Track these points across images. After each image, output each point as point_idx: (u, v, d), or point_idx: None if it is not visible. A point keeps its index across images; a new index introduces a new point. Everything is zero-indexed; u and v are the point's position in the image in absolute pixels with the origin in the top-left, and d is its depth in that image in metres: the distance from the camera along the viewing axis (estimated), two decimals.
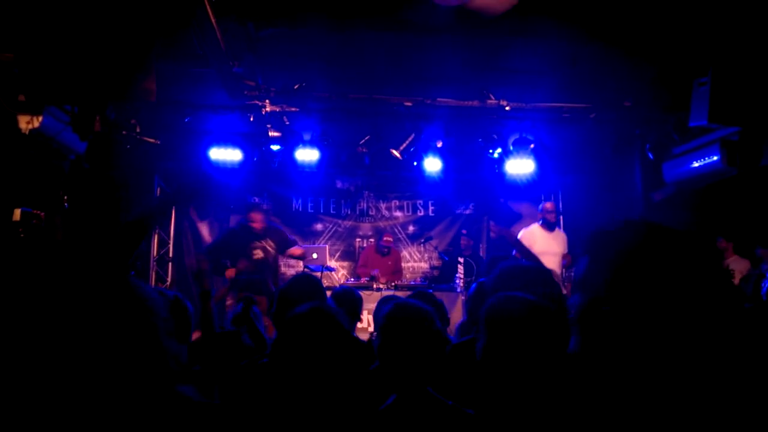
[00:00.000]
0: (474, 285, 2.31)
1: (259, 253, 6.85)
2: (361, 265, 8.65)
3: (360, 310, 3.47)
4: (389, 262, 8.52)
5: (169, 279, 8.85)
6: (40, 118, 5.20)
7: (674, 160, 7.34)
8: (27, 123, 5.13)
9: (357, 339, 1.86)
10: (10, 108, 5.05)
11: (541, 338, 1.47)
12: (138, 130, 7.23)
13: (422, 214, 9.85)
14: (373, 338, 1.93)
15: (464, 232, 9.20)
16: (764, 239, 6.20)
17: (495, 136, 7.60)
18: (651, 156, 7.47)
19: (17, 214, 5.02)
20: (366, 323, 7.08)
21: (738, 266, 6.54)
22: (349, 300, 3.24)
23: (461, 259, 8.26)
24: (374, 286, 7.68)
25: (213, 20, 4.43)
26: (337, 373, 1.59)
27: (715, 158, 6.46)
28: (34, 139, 5.40)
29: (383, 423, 1.64)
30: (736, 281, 5.73)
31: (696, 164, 6.84)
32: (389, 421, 1.64)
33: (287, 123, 7.21)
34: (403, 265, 9.13)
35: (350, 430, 1.58)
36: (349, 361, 1.64)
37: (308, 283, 2.67)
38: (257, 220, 6.95)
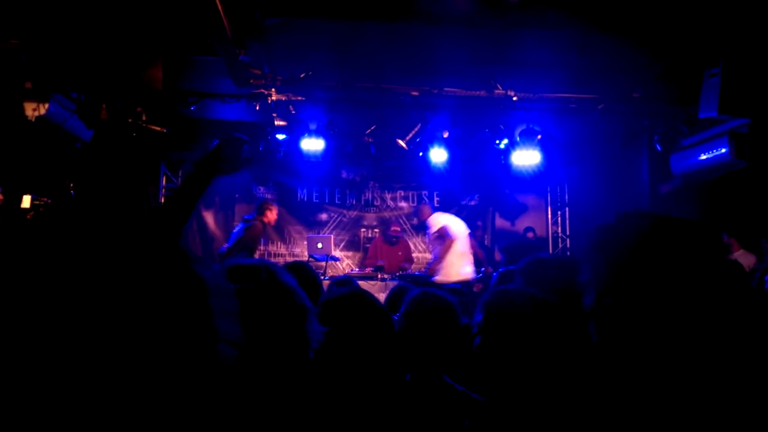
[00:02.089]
0: (495, 274, 2.28)
1: None
2: (371, 257, 8.65)
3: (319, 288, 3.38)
4: (399, 252, 8.52)
5: None
6: (47, 106, 5.21)
7: (682, 152, 7.29)
8: (33, 110, 5.14)
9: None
10: (16, 95, 5.05)
11: (541, 333, 1.45)
12: (144, 118, 7.23)
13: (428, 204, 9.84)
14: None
15: (480, 223, 9.25)
16: None
17: (502, 127, 7.56)
18: (659, 148, 7.42)
19: (27, 200, 5.04)
20: None
21: (745, 261, 6.51)
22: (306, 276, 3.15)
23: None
24: (379, 276, 7.69)
25: (220, 8, 4.41)
26: (378, 365, 1.58)
27: (724, 150, 6.41)
28: (41, 126, 5.41)
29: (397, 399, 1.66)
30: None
31: (704, 156, 6.79)
32: (401, 398, 1.66)
33: (293, 112, 7.19)
34: None
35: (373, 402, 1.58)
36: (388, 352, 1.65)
37: (304, 270, 2.64)
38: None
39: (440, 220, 7.13)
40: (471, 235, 7.66)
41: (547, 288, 1.52)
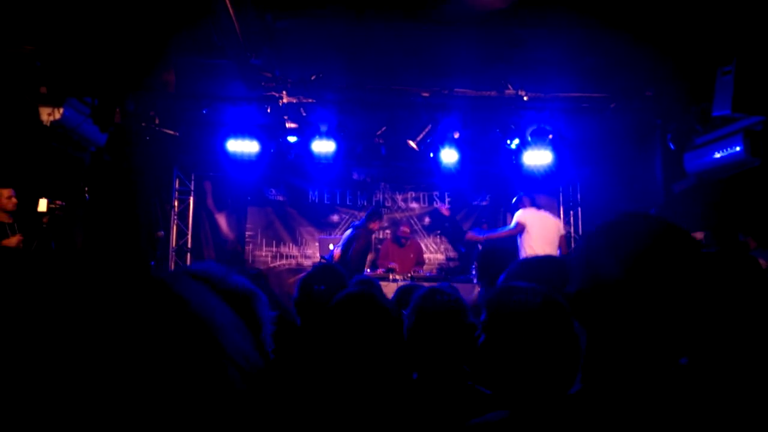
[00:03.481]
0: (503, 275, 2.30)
1: None
2: (382, 257, 8.65)
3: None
4: (410, 255, 8.50)
5: None
6: (61, 110, 5.27)
7: (696, 150, 7.22)
8: (48, 115, 5.21)
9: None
10: (31, 100, 5.12)
11: (546, 331, 1.44)
12: (157, 121, 7.30)
13: (439, 205, 9.82)
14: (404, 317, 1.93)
15: (485, 226, 9.23)
16: None
17: (513, 127, 7.54)
18: (672, 146, 7.35)
19: (43, 204, 5.10)
20: None
21: (762, 258, 6.44)
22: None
23: (481, 247, 8.30)
24: (390, 277, 7.69)
25: (231, 11, 4.44)
26: (385, 362, 1.59)
27: (738, 149, 6.34)
28: (55, 130, 5.48)
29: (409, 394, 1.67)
30: None
31: (718, 155, 6.72)
32: (414, 392, 1.66)
33: (304, 114, 7.22)
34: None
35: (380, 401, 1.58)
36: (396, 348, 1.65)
37: (332, 271, 2.68)
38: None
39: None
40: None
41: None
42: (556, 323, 1.37)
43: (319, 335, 1.69)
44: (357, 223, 7.78)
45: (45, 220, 5.22)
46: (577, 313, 0.94)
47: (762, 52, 4.93)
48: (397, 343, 1.67)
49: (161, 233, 8.15)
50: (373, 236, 9.60)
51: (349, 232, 7.57)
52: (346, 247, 7.22)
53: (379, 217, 7.79)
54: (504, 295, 1.47)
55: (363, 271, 7.52)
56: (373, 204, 9.67)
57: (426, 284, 3.75)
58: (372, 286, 2.59)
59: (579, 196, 9.76)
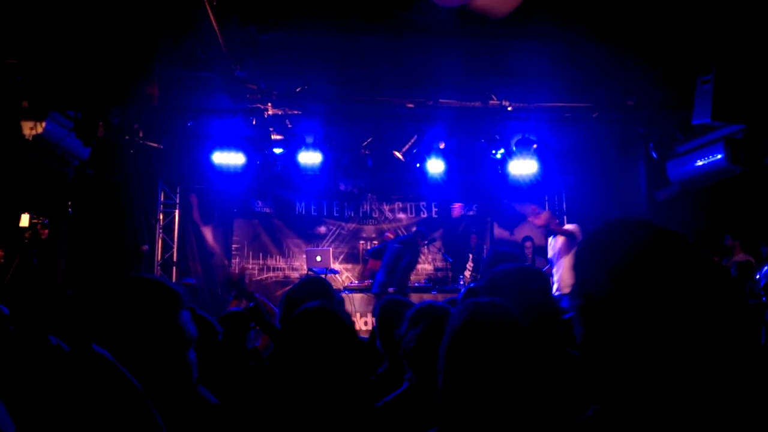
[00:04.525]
0: (464, 289, 2.25)
1: None
2: (370, 268, 8.63)
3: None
4: None
5: None
6: (44, 124, 5.21)
7: (678, 158, 7.31)
8: (30, 129, 5.15)
9: (361, 340, 1.84)
10: (13, 114, 5.06)
11: (514, 345, 1.38)
12: (141, 134, 7.25)
13: (425, 215, 9.83)
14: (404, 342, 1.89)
15: (473, 237, 9.28)
16: None
17: (498, 137, 7.59)
18: (655, 155, 7.44)
19: (25, 219, 5.03)
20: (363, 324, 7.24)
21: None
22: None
23: (471, 255, 8.36)
24: None
25: (215, 24, 4.44)
26: (341, 374, 1.58)
27: (719, 156, 6.43)
28: (38, 144, 5.42)
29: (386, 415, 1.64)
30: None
31: (700, 163, 6.81)
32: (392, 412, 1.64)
33: (289, 126, 7.22)
34: None
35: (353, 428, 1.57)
36: (354, 362, 1.63)
37: (316, 284, 2.65)
38: None
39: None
40: (468, 245, 7.64)
41: (512, 297, 1.50)
42: (520, 338, 1.34)
43: (280, 349, 1.68)
44: (403, 237, 7.78)
45: (27, 235, 5.15)
46: (576, 330, 0.93)
47: (740, 60, 5.01)
48: (353, 352, 1.65)
49: (146, 247, 8.07)
50: (361, 247, 9.59)
51: (392, 247, 7.46)
52: (394, 263, 7.19)
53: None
54: (469, 311, 1.42)
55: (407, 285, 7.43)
56: (360, 214, 9.67)
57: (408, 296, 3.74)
58: (332, 299, 2.56)
59: (565, 205, 9.83)
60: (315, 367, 1.56)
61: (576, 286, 0.94)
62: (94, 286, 1.20)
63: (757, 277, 4.96)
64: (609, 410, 0.88)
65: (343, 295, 7.11)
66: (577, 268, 0.96)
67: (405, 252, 7.20)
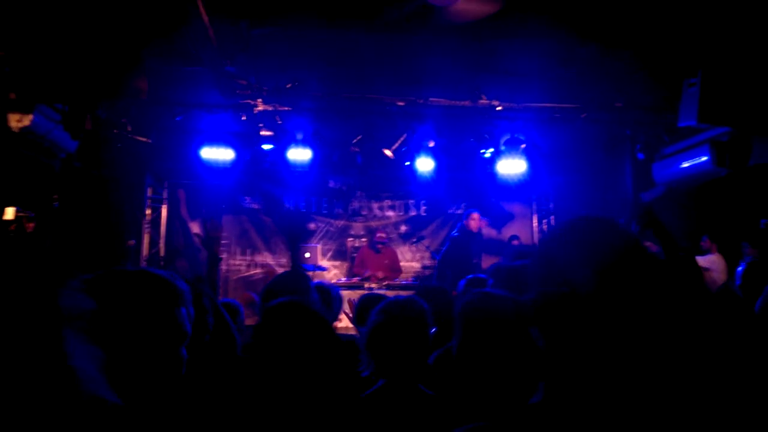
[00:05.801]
0: (462, 282, 2.28)
1: None
2: (357, 265, 8.65)
3: (338, 309, 3.44)
4: (385, 261, 8.52)
5: None
6: (31, 117, 5.16)
7: (664, 160, 7.40)
8: (17, 121, 5.09)
9: (337, 335, 1.85)
10: (0, 106, 5.01)
11: (517, 336, 1.45)
12: (129, 128, 7.20)
13: (414, 213, 9.86)
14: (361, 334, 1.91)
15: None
16: (752, 238, 6.27)
17: (487, 136, 7.63)
18: (641, 156, 7.52)
19: (10, 212, 4.98)
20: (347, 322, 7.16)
21: (720, 263, 6.66)
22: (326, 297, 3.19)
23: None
24: (365, 285, 7.69)
25: (206, 19, 4.42)
26: (316, 370, 1.59)
27: (705, 158, 6.51)
28: (25, 137, 5.37)
29: (366, 408, 1.66)
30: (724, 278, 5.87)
31: (686, 164, 6.89)
32: (372, 406, 1.66)
33: (279, 122, 7.20)
34: None
35: (331, 422, 1.59)
36: (330, 358, 1.65)
37: (293, 278, 2.66)
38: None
39: None
40: None
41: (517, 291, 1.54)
42: (527, 332, 1.38)
43: (255, 341, 1.70)
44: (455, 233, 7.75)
45: (12, 228, 5.10)
46: (539, 320, 0.94)
47: (726, 64, 5.08)
48: (327, 344, 1.67)
49: (132, 242, 8.02)
50: (349, 244, 9.57)
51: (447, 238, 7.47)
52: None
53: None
54: (480, 302, 1.48)
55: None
56: (349, 212, 9.66)
57: (390, 294, 3.76)
58: (307, 295, 2.57)
59: (552, 205, 9.90)
60: (286, 360, 1.58)
61: (555, 277, 0.94)
62: (97, 277, 1.22)
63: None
64: (565, 396, 0.90)
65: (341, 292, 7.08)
66: (558, 259, 0.97)
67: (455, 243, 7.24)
